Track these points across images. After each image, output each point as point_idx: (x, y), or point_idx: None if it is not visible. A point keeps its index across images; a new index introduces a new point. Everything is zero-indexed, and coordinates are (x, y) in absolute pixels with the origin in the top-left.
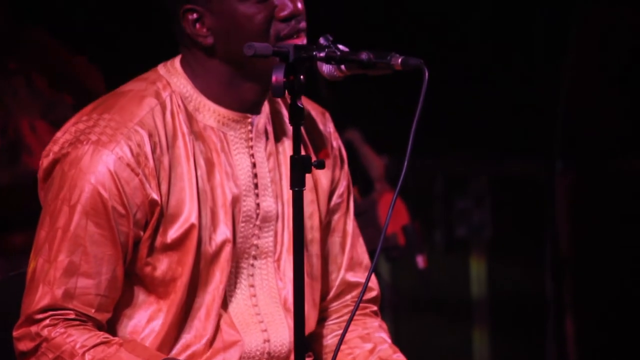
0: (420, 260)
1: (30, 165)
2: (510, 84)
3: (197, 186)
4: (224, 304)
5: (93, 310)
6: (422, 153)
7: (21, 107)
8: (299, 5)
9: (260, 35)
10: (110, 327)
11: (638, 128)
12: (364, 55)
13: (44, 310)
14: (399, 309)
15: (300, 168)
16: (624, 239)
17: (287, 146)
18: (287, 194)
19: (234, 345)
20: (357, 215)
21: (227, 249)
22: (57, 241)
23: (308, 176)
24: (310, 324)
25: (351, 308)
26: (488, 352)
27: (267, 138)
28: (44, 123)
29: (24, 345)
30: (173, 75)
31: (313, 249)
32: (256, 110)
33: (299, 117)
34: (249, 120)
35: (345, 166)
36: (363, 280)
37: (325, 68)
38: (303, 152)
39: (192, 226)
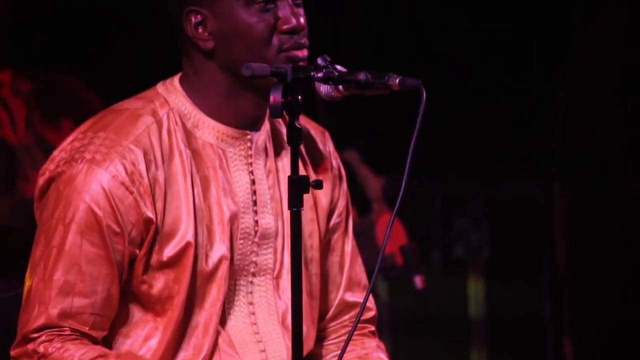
0: (418, 281)
1: (27, 193)
2: (509, 103)
3: (194, 203)
4: (223, 322)
5: (87, 328)
6: (420, 173)
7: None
8: (302, 20)
9: (260, 45)
10: (107, 345)
11: (636, 148)
12: (361, 76)
13: (40, 329)
14: (397, 329)
15: (298, 188)
16: (622, 258)
17: (287, 164)
18: (288, 211)
19: None
20: (355, 235)
21: (224, 266)
22: (52, 260)
23: (308, 195)
24: (309, 344)
25: (349, 329)
26: None
27: (266, 155)
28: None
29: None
30: (172, 93)
31: (313, 268)
32: (255, 127)
33: (296, 137)
34: (248, 137)
35: (345, 185)
36: (361, 300)
37: (323, 88)
38: (303, 172)
39: (188, 244)
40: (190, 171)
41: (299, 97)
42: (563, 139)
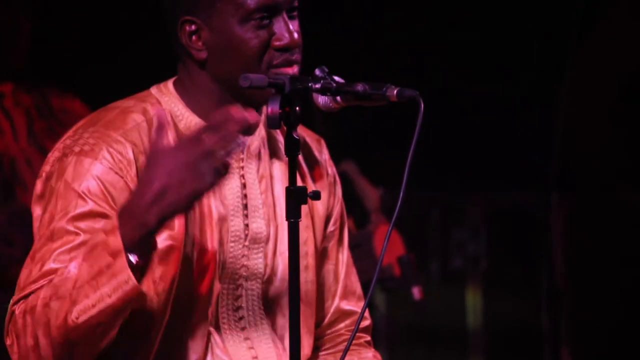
0: (416, 292)
1: (26, 203)
2: (507, 115)
3: None
4: (216, 325)
5: None
6: (418, 184)
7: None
8: (296, 36)
9: (253, 60)
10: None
11: (634, 160)
12: (359, 87)
13: (35, 280)
14: (394, 340)
15: (296, 199)
16: (620, 270)
17: (280, 172)
18: (280, 217)
19: None
20: (353, 247)
21: (212, 268)
22: (49, 250)
23: None
24: (305, 351)
25: (345, 337)
26: None
27: (260, 161)
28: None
29: (24, 306)
30: (165, 95)
31: (308, 276)
32: (248, 132)
33: (294, 148)
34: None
35: (339, 193)
36: (356, 309)
37: (321, 99)
38: (299, 180)
39: (175, 243)
40: None
41: (297, 108)
42: (561, 151)
